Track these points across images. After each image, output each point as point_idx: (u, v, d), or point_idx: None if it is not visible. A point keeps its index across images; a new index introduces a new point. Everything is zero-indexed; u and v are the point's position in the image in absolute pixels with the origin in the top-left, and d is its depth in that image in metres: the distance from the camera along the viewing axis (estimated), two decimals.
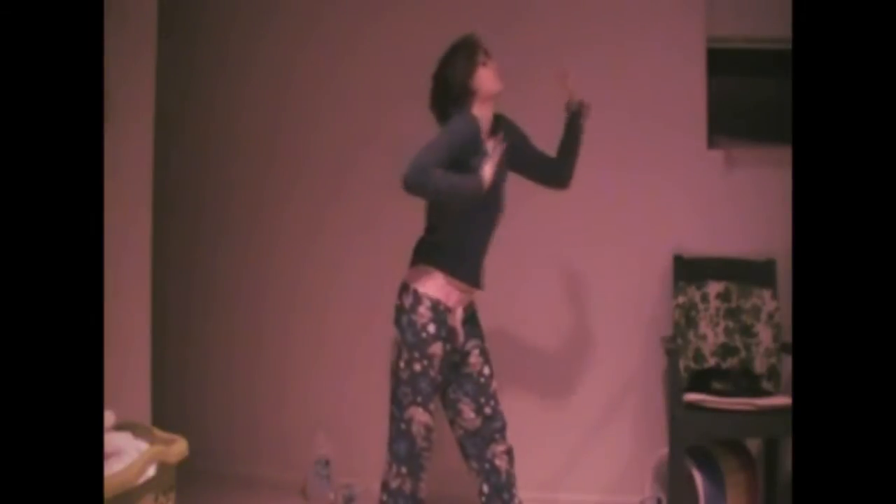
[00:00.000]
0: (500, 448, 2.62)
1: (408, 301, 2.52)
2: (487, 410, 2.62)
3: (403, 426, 2.51)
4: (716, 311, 3.31)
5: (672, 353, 3.06)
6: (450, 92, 2.55)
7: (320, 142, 3.81)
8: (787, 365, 3.23)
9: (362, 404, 3.63)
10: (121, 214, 2.59)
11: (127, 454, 2.13)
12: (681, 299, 3.33)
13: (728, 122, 3.52)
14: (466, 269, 2.56)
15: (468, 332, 2.62)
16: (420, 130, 2.46)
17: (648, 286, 3.48)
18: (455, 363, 2.61)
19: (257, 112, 3.89)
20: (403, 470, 2.53)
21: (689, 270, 3.38)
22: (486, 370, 2.64)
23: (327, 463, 3.42)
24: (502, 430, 2.63)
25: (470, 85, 2.53)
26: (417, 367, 2.49)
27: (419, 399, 2.50)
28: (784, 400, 2.97)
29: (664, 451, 3.20)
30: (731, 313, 3.30)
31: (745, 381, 3.21)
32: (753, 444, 3.35)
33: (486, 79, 2.54)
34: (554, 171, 2.76)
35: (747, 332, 3.28)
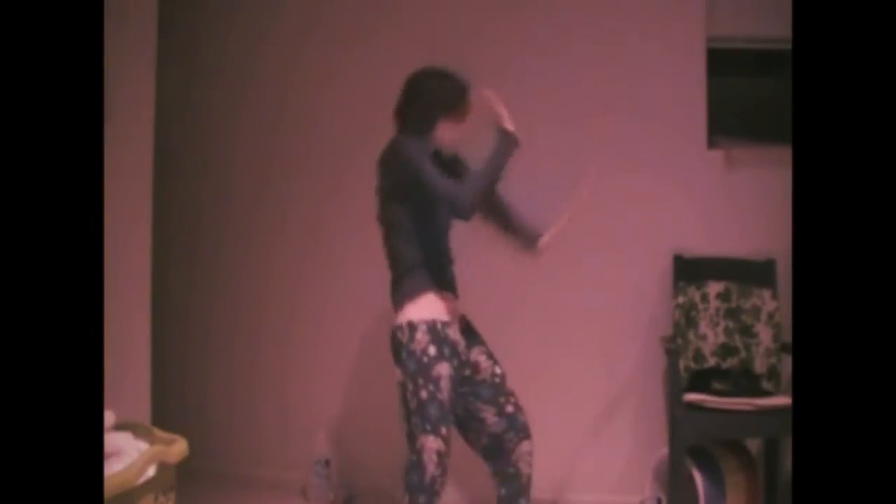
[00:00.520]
0: (525, 448, 2.62)
1: (404, 337, 2.52)
2: (509, 409, 2.63)
3: (415, 457, 2.49)
4: (716, 311, 3.31)
5: (672, 353, 3.06)
6: (420, 113, 2.61)
7: (320, 142, 3.81)
8: (787, 365, 3.23)
9: (362, 404, 3.63)
10: (121, 214, 2.59)
11: (127, 454, 2.12)
12: (681, 299, 3.33)
13: (728, 122, 3.53)
14: (447, 279, 2.63)
15: (469, 341, 2.64)
16: None
17: (648, 286, 3.47)
18: (466, 376, 2.62)
19: (257, 112, 3.89)
20: (419, 500, 2.47)
21: (688, 270, 3.38)
22: (498, 370, 2.66)
23: (327, 463, 3.42)
24: (526, 427, 2.64)
25: (436, 121, 2.60)
26: (424, 394, 2.48)
27: (428, 427, 2.47)
28: (784, 400, 2.97)
29: (664, 451, 3.20)
30: (731, 313, 3.30)
31: (745, 381, 3.21)
32: (753, 444, 3.35)
33: (452, 132, 2.61)
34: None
35: (747, 332, 3.28)
